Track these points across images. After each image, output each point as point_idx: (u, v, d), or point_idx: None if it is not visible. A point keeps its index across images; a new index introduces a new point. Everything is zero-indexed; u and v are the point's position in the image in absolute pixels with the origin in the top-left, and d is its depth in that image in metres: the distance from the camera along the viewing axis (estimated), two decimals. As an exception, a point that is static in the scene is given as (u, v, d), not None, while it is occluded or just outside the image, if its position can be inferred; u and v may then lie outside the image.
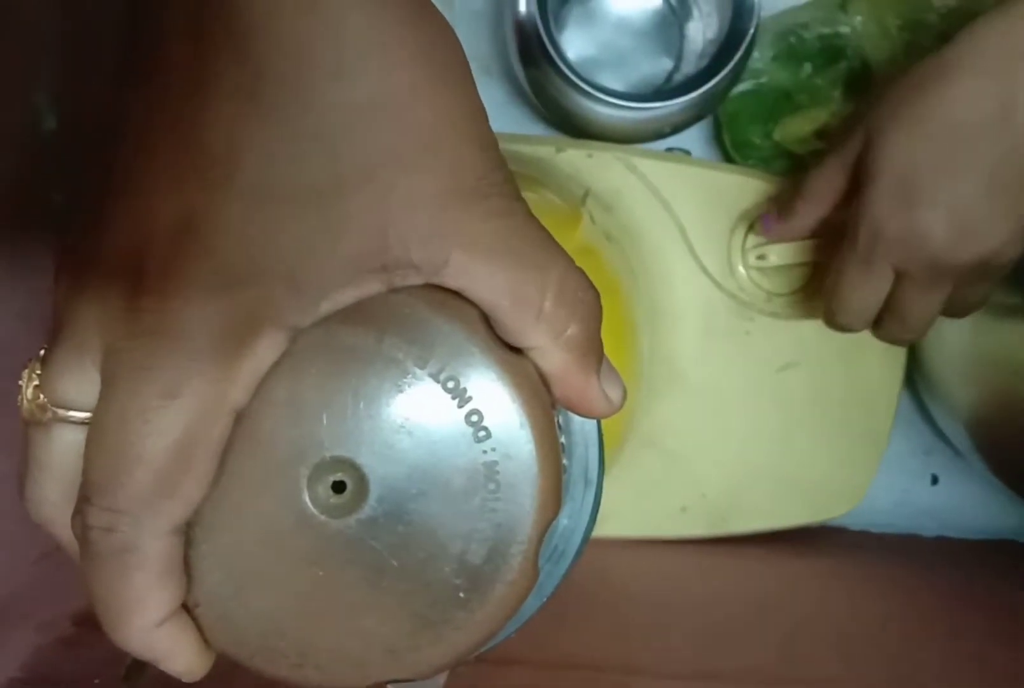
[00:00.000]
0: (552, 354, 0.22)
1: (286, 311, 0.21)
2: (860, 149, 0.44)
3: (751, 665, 0.42)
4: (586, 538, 0.26)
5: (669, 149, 0.56)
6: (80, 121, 0.36)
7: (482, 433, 0.21)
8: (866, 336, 0.51)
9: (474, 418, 0.21)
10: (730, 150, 0.55)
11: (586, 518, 0.25)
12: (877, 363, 0.55)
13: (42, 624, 0.40)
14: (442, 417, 0.21)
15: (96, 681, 0.38)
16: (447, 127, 0.21)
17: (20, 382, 0.23)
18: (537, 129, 0.57)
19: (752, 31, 0.48)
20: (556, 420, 0.23)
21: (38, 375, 0.22)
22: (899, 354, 0.55)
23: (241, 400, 0.21)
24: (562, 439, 0.24)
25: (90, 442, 0.21)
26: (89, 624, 0.41)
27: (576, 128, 0.53)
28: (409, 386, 0.21)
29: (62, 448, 0.22)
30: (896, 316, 0.46)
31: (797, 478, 0.55)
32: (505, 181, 0.22)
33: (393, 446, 0.21)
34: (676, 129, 0.53)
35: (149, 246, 0.21)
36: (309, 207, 0.20)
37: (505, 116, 0.57)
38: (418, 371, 0.21)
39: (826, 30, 0.52)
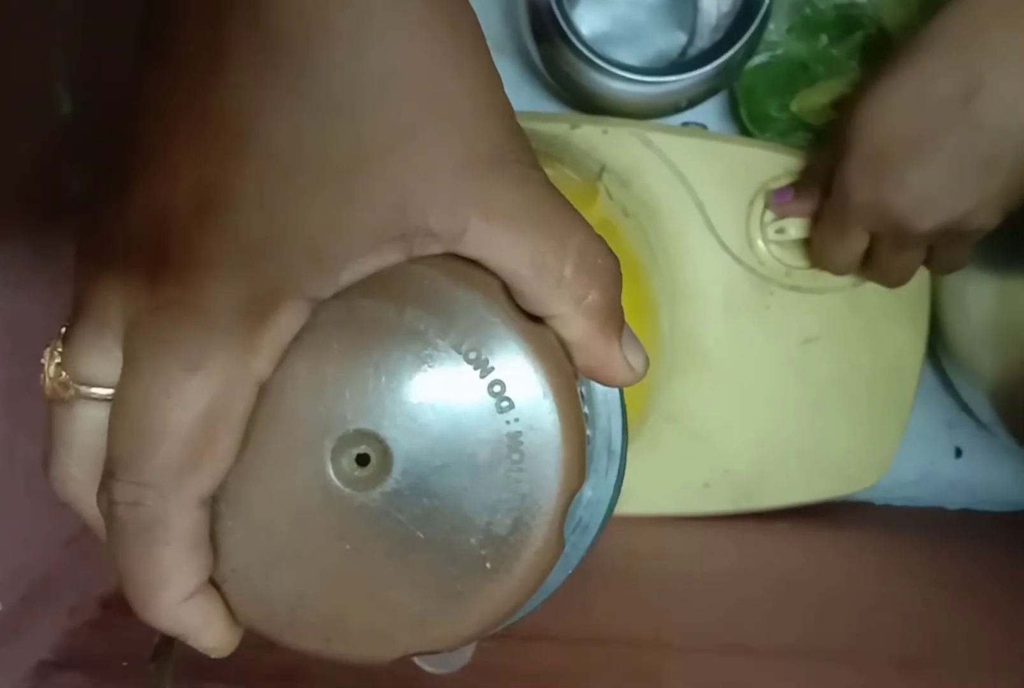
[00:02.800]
0: (573, 321, 0.22)
1: (307, 282, 0.21)
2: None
3: (778, 640, 0.42)
4: (611, 509, 0.26)
5: (685, 123, 0.56)
6: (97, 106, 0.36)
7: (505, 404, 0.21)
8: (888, 308, 0.50)
9: (497, 389, 0.21)
10: (747, 123, 0.54)
11: (610, 489, 0.25)
12: (899, 335, 0.54)
13: (72, 607, 0.41)
14: (465, 388, 0.21)
15: (124, 663, 0.38)
16: (465, 97, 0.21)
17: (42, 360, 0.23)
18: (552, 107, 0.57)
19: (767, 3, 0.48)
20: (579, 390, 0.23)
21: (59, 353, 0.22)
22: (922, 326, 0.54)
23: (264, 372, 0.21)
24: (585, 409, 0.24)
25: (113, 417, 0.21)
26: (117, 607, 0.42)
27: (591, 104, 0.53)
28: (431, 358, 0.21)
29: (85, 425, 0.22)
30: (875, 269, 0.50)
31: (821, 452, 0.55)
32: (523, 149, 0.22)
33: (416, 418, 0.21)
34: (692, 103, 0.52)
35: (169, 221, 0.21)
36: (328, 177, 0.20)
37: (519, 94, 0.56)
38: (440, 342, 0.21)
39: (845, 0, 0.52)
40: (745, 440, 0.54)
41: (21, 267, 0.34)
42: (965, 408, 0.58)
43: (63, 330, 0.22)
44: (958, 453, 0.60)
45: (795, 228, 0.51)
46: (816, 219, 0.50)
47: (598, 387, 0.25)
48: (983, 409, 0.54)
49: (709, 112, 0.56)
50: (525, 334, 0.21)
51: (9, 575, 0.37)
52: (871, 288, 0.53)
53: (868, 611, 0.45)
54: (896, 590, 0.48)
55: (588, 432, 0.24)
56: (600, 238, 0.22)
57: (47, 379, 0.22)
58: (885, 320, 0.54)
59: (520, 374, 0.21)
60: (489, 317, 0.21)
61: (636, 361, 0.23)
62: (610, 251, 0.23)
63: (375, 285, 0.21)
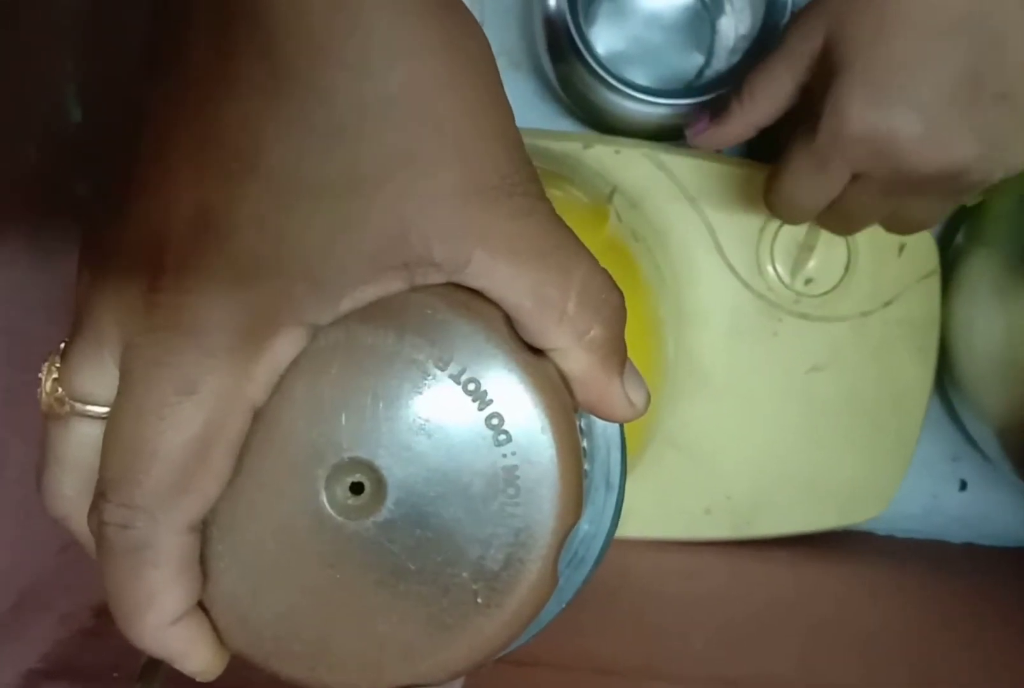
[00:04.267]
0: (575, 356, 0.22)
1: (305, 308, 0.20)
2: (819, 42, 0.40)
3: (771, 671, 0.42)
4: (607, 544, 0.25)
5: (699, 146, 0.56)
6: (104, 114, 0.36)
7: (502, 436, 0.21)
8: (897, 338, 0.50)
9: (494, 421, 0.21)
10: (760, 147, 0.54)
11: (607, 524, 0.25)
12: (907, 366, 0.54)
13: (63, 615, 0.41)
14: (462, 420, 0.21)
15: (115, 674, 0.38)
16: (470, 124, 0.21)
17: (40, 375, 0.22)
18: (565, 125, 0.57)
19: (785, 26, 0.47)
20: (578, 424, 0.23)
21: (57, 368, 0.22)
22: (930, 357, 0.54)
23: (259, 397, 0.21)
24: (584, 443, 0.24)
25: (106, 438, 0.21)
26: (109, 616, 0.41)
27: (605, 124, 0.53)
28: (429, 388, 0.21)
29: (79, 442, 0.22)
30: (840, 215, 0.44)
31: (823, 481, 0.54)
32: (529, 180, 0.22)
33: (412, 448, 0.21)
34: (706, 126, 0.52)
35: (167, 240, 0.21)
36: (329, 202, 0.20)
37: (533, 111, 0.56)
38: (438, 372, 0.21)
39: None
40: (748, 467, 0.54)
41: (22, 271, 0.34)
42: (971, 441, 0.58)
43: (62, 345, 0.22)
44: (963, 486, 0.59)
45: (825, 278, 0.51)
46: (782, 151, 0.42)
47: (598, 420, 0.25)
48: (989, 443, 0.54)
49: (723, 135, 0.56)
50: (525, 367, 0.21)
51: (0, 582, 0.37)
52: (880, 318, 0.52)
53: (865, 644, 0.45)
54: (893, 623, 0.48)
55: (586, 466, 0.24)
56: (604, 271, 0.22)
57: (44, 394, 0.22)
58: (893, 350, 0.53)
59: (519, 407, 0.21)
60: (489, 348, 0.21)
61: (637, 397, 0.23)
62: (615, 286, 0.22)
63: (375, 312, 0.21)
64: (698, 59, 0.54)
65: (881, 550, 0.57)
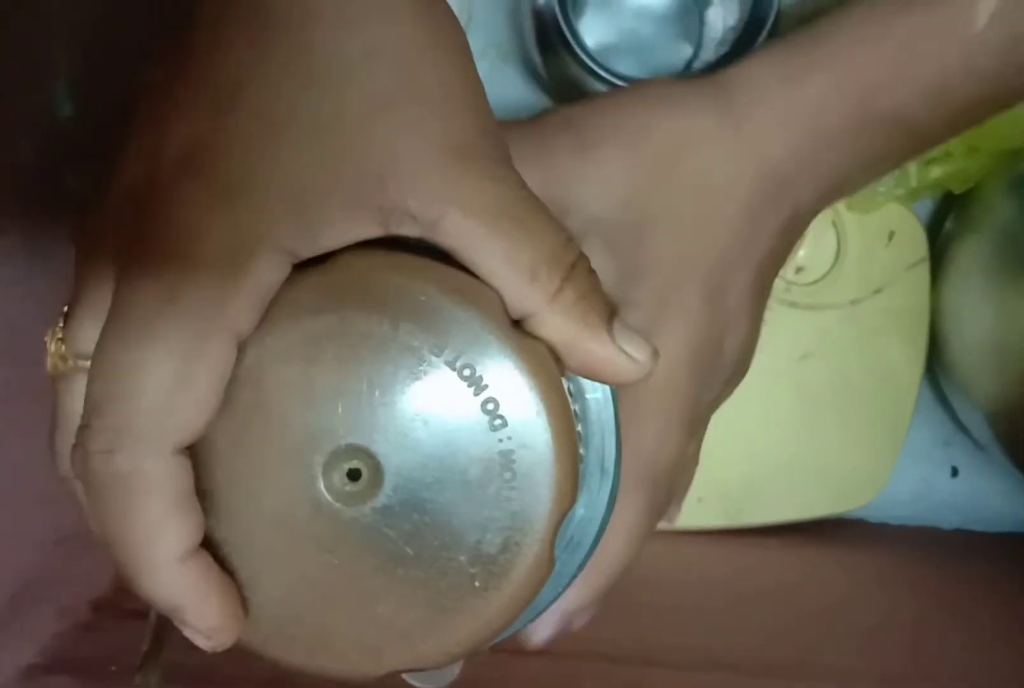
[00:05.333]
0: (550, 319, 0.22)
1: (285, 232, 0.21)
2: None
3: (768, 657, 0.42)
4: (602, 529, 0.25)
5: (688, 137, 0.56)
6: (97, 107, 0.36)
7: (498, 422, 0.21)
8: (886, 326, 0.50)
9: (490, 406, 0.21)
10: (750, 138, 0.54)
11: (602, 508, 0.25)
12: (897, 353, 0.54)
13: (61, 610, 0.41)
14: (458, 405, 0.21)
15: (113, 667, 0.38)
16: (445, 88, 0.22)
17: (45, 338, 0.23)
18: (555, 117, 0.57)
19: (772, 18, 0.48)
20: (572, 409, 0.23)
21: (61, 328, 0.22)
22: (920, 344, 0.54)
23: (243, 325, 0.21)
24: (579, 428, 0.24)
25: (92, 365, 0.21)
26: (107, 610, 0.41)
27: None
28: (425, 374, 0.21)
29: (82, 398, 0.22)
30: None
31: (816, 469, 0.54)
32: (497, 148, 0.22)
33: (408, 434, 0.21)
34: (695, 117, 0.52)
35: (156, 175, 0.21)
36: (313, 140, 0.21)
37: (523, 104, 0.56)
38: (434, 358, 0.21)
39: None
40: (739, 456, 0.54)
41: (18, 265, 0.34)
42: (962, 427, 0.58)
43: (65, 308, 0.23)
44: (954, 472, 0.60)
45: (815, 267, 0.51)
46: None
47: (592, 405, 0.25)
48: (980, 428, 0.54)
49: (713, 126, 0.56)
50: (520, 352, 0.21)
51: (-2, 576, 0.37)
52: (870, 306, 0.53)
53: (858, 629, 0.45)
54: (887, 609, 0.48)
55: (581, 451, 0.24)
56: (574, 241, 0.23)
57: (50, 356, 0.23)
58: (883, 338, 0.53)
59: (514, 392, 0.21)
60: (484, 334, 0.21)
61: (638, 352, 0.23)
62: (582, 254, 0.23)
63: (369, 298, 0.21)
64: (686, 51, 0.54)
65: (873, 537, 0.58)
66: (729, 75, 0.32)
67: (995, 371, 0.51)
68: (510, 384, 0.21)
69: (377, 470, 0.21)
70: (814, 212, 0.33)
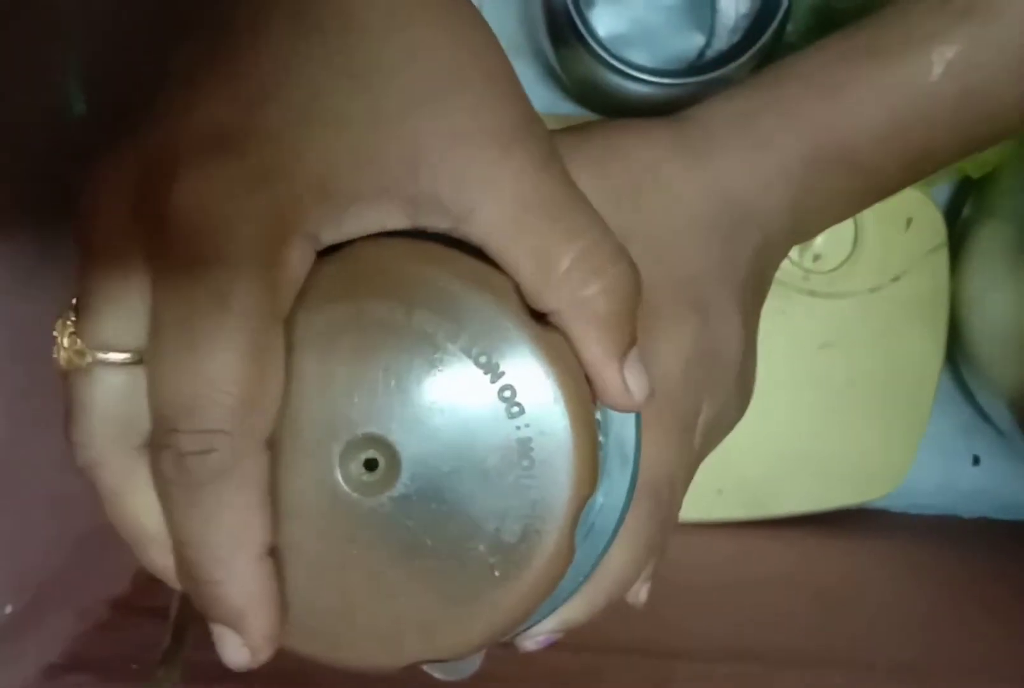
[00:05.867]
0: (569, 322, 0.22)
1: (311, 217, 0.21)
2: None
3: (791, 647, 0.42)
4: (623, 516, 0.25)
5: (702, 126, 0.56)
6: (109, 107, 0.36)
7: (515, 409, 0.21)
8: (906, 314, 0.50)
9: (507, 394, 0.21)
10: (764, 126, 0.54)
11: (623, 496, 0.25)
12: (917, 341, 0.54)
13: (81, 609, 0.41)
14: (474, 393, 0.21)
15: (133, 666, 0.38)
16: (483, 78, 0.22)
17: (54, 332, 0.22)
18: (567, 109, 0.56)
19: (786, 5, 0.47)
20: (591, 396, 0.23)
21: (72, 322, 0.22)
22: (940, 332, 0.54)
23: (284, 309, 0.21)
24: (597, 415, 0.23)
25: (155, 375, 0.21)
26: (126, 609, 0.42)
27: (608, 107, 0.53)
28: (441, 361, 0.21)
29: (105, 391, 0.22)
30: None
31: (836, 459, 0.54)
32: (540, 137, 0.22)
33: (425, 423, 0.21)
34: (709, 106, 0.52)
35: (183, 152, 0.21)
36: (347, 132, 0.21)
37: (535, 96, 0.55)
38: (449, 346, 0.21)
39: (861, 1, 0.51)
40: (759, 446, 0.54)
41: (28, 264, 0.34)
42: (983, 415, 0.58)
43: (74, 301, 0.22)
44: (976, 461, 0.59)
45: (833, 254, 0.51)
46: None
47: None
48: (1002, 416, 0.54)
49: (726, 115, 0.56)
50: (536, 339, 0.21)
51: (18, 577, 0.37)
52: (890, 294, 0.52)
53: (880, 619, 0.45)
54: (909, 599, 0.48)
55: (600, 438, 0.24)
56: (616, 242, 0.22)
57: (61, 350, 0.22)
58: (902, 326, 0.53)
59: (531, 379, 0.21)
60: (500, 321, 0.21)
61: (638, 387, 0.22)
62: (626, 258, 0.22)
63: (384, 286, 0.21)
64: (699, 39, 0.53)
65: (895, 527, 0.57)
66: (691, 111, 0.33)
67: (1016, 358, 0.50)
68: (527, 371, 0.21)
69: (394, 459, 0.21)
70: (788, 243, 0.34)
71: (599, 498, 0.25)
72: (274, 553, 0.21)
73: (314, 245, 0.21)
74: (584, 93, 0.53)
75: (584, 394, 0.22)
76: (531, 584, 0.21)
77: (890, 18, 0.32)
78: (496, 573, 0.21)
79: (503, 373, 0.21)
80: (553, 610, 0.26)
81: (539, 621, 0.27)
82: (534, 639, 0.28)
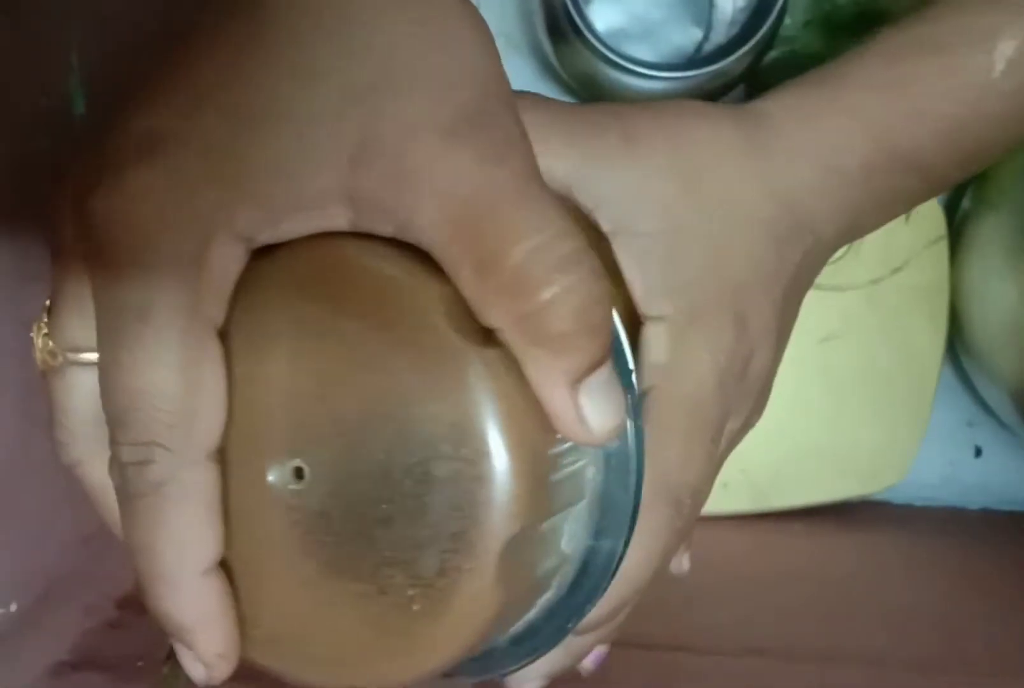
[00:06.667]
0: (510, 340, 0.20)
1: (242, 220, 0.20)
2: None
3: (796, 640, 0.42)
4: (623, 556, 0.24)
5: (701, 120, 0.56)
6: (110, 107, 0.36)
7: (441, 433, 0.19)
8: (908, 306, 0.50)
9: (435, 417, 0.19)
10: (763, 120, 0.54)
11: (626, 523, 0.23)
12: (919, 333, 0.54)
13: (88, 607, 0.41)
14: (404, 411, 0.20)
15: (140, 663, 0.38)
16: (435, 73, 0.20)
17: (31, 334, 0.23)
18: (567, 104, 0.56)
19: (783, -3, 0.47)
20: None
21: (45, 324, 0.22)
22: (941, 324, 0.54)
23: (216, 315, 0.20)
24: (563, 447, 0.22)
25: (100, 382, 0.21)
26: (133, 607, 0.42)
27: (606, 102, 0.53)
28: (371, 374, 0.20)
29: (78, 390, 0.22)
30: None
31: (840, 451, 0.54)
32: (502, 124, 0.20)
33: (353, 445, 0.20)
34: (708, 99, 0.51)
35: (107, 161, 0.20)
36: (286, 133, 0.20)
37: (534, 91, 0.56)
38: (379, 360, 0.20)
39: (861, -5, 0.51)
40: (763, 439, 0.53)
41: (35, 263, 0.34)
42: (985, 407, 0.58)
43: (47, 302, 0.22)
44: (978, 452, 0.59)
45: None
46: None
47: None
48: (1004, 408, 0.54)
49: (725, 108, 0.56)
50: (466, 359, 0.19)
51: (25, 574, 0.37)
52: (890, 286, 0.52)
53: (886, 612, 0.45)
54: (915, 591, 0.48)
55: (596, 474, 0.23)
56: (577, 244, 0.20)
57: (38, 351, 0.22)
58: (904, 318, 0.53)
59: (458, 402, 0.19)
60: (442, 344, 0.19)
61: (597, 418, 0.20)
62: (590, 267, 0.20)
63: (319, 291, 0.20)
64: (697, 33, 0.53)
65: (899, 519, 0.57)
66: (755, 105, 0.32)
67: (1017, 349, 0.50)
68: (462, 397, 0.19)
69: (318, 471, 0.20)
70: (835, 246, 0.33)
71: (603, 540, 0.23)
72: (226, 568, 0.21)
73: (248, 246, 0.20)
74: (582, 88, 0.53)
75: (523, 420, 0.20)
76: (453, 624, 0.20)
77: (945, 12, 0.31)
78: (415, 607, 0.20)
79: (433, 394, 0.19)
80: (526, 661, 0.24)
81: (539, 649, 0.25)
82: (534, 682, 0.27)
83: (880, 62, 0.32)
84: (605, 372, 0.20)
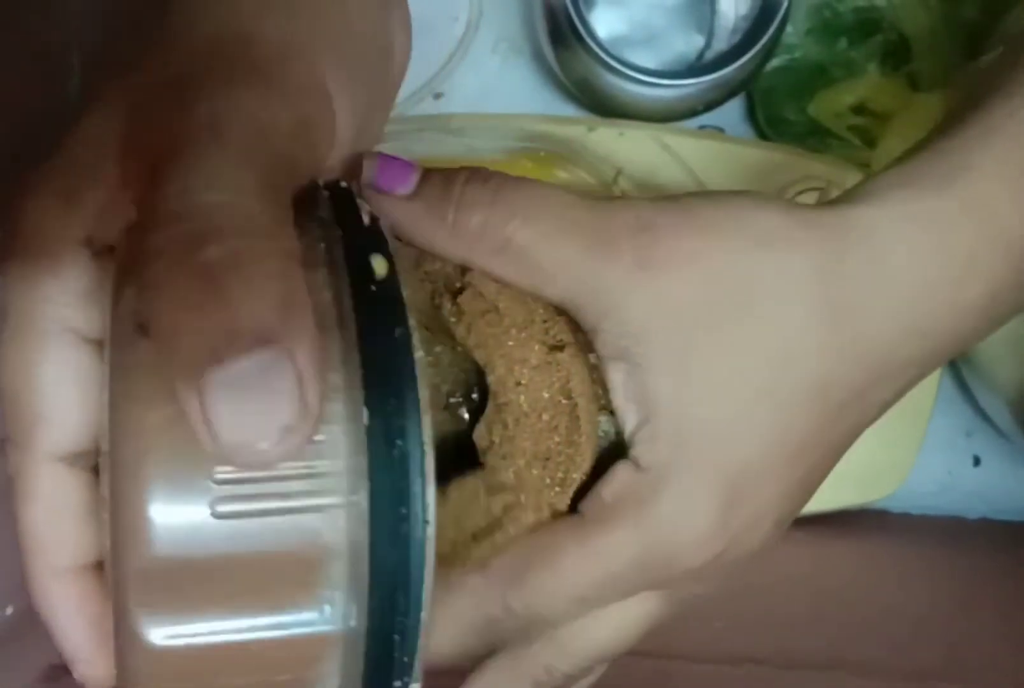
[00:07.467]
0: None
1: (54, 218, 0.20)
2: None
3: (792, 649, 0.42)
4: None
5: (702, 127, 0.56)
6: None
7: None
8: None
9: None
10: (764, 127, 0.54)
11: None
12: (917, 342, 0.54)
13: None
14: None
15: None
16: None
17: None
18: (568, 111, 0.56)
19: (785, 6, 0.47)
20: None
21: None
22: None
23: (72, 319, 0.20)
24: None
25: None
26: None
27: (608, 108, 0.53)
28: None
29: None
30: None
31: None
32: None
33: None
34: (709, 107, 0.52)
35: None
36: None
37: (535, 98, 0.56)
38: None
39: (861, 2, 0.51)
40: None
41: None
42: (984, 416, 0.58)
43: None
44: (977, 461, 0.59)
45: None
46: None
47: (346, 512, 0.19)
48: (1002, 417, 0.54)
49: (726, 115, 0.56)
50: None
51: (19, 577, 0.37)
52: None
53: (882, 621, 0.45)
54: (912, 600, 0.48)
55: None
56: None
57: None
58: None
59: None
60: None
61: (227, 431, 0.16)
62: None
63: None
64: (699, 40, 0.53)
65: (897, 527, 0.57)
66: (848, 215, 0.24)
67: (1017, 358, 0.50)
68: None
69: None
70: (885, 408, 0.26)
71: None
72: (94, 579, 0.20)
73: (85, 244, 0.20)
74: (584, 94, 0.53)
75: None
76: None
77: None
78: None
79: None
80: None
81: None
82: None
83: (1002, 148, 0.24)
84: (243, 365, 0.16)
